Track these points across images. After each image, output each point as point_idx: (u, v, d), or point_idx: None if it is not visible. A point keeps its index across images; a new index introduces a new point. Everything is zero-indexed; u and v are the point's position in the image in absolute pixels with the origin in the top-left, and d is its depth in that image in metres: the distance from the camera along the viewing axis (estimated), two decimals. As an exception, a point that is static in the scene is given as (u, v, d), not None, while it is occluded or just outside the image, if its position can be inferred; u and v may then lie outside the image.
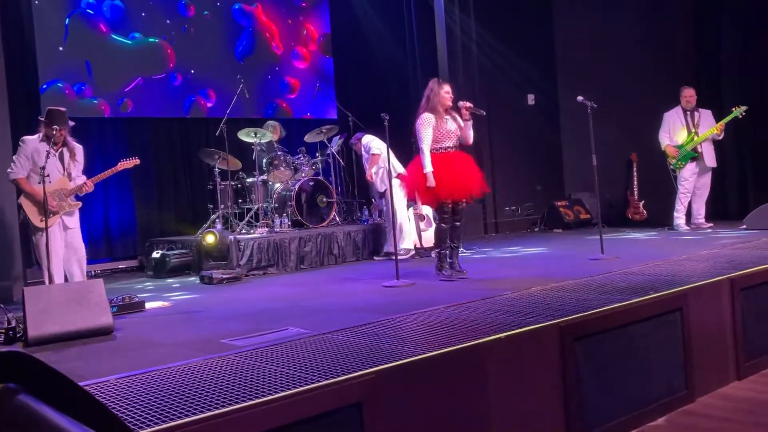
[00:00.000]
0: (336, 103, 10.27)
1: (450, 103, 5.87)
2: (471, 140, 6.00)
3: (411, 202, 7.47)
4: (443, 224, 5.84)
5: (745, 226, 7.73)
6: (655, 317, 4.05)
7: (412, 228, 7.77)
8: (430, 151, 5.74)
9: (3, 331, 4.37)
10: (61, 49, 8.26)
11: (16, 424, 0.68)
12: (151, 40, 8.98)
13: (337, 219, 8.52)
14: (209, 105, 9.40)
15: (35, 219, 5.42)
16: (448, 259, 5.88)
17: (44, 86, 8.02)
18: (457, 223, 5.93)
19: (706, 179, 8.30)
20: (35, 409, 0.71)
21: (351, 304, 4.93)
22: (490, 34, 10.27)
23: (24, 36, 7.99)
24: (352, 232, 7.89)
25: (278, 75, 10.15)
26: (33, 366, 0.74)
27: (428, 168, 5.66)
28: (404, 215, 7.61)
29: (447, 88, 5.91)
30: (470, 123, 5.91)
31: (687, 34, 9.59)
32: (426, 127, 5.75)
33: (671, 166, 8.23)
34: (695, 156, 8.17)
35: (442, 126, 5.81)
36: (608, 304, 3.90)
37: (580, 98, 6.56)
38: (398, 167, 7.36)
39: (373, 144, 7.86)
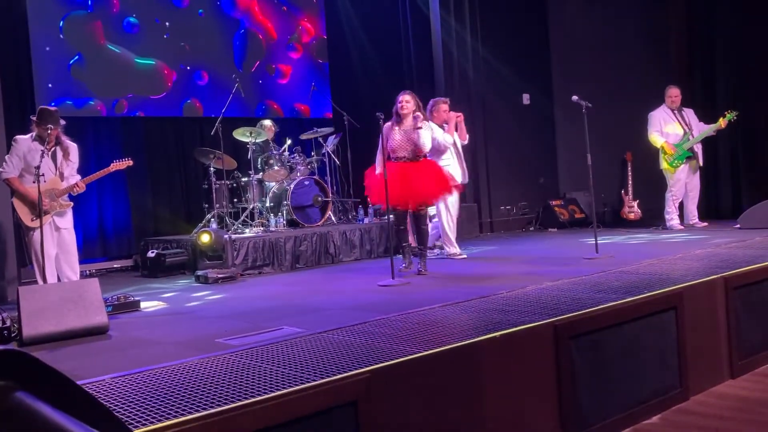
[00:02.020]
0: (331, 103, 10.26)
1: (403, 112, 6.05)
2: (426, 149, 6.17)
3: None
4: (396, 226, 6.26)
5: (738, 226, 7.76)
6: (649, 316, 4.07)
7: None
8: (386, 159, 5.99)
9: (-2, 330, 4.38)
10: (48, 49, 8.22)
11: (14, 421, 0.68)
12: (148, 62, 8.94)
13: (333, 218, 8.52)
14: (201, 83, 9.35)
15: (26, 219, 5.41)
16: (414, 260, 6.24)
17: (52, 103, 7.94)
18: (422, 227, 6.20)
19: (697, 179, 8.38)
20: (32, 406, 0.70)
21: (346, 304, 4.93)
22: (485, 35, 10.29)
23: (18, 35, 7.96)
24: (348, 231, 7.89)
25: (270, 65, 10.11)
26: (29, 363, 0.74)
27: (378, 170, 6.03)
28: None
29: (401, 97, 6.11)
30: (421, 132, 6.01)
31: (680, 33, 9.64)
32: (383, 134, 6.07)
33: (668, 164, 8.24)
34: (690, 155, 8.21)
35: (394, 136, 6.05)
36: (603, 303, 3.92)
37: (574, 98, 6.57)
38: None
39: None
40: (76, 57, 8.41)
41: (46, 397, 0.72)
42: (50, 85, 8.19)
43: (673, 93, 8.31)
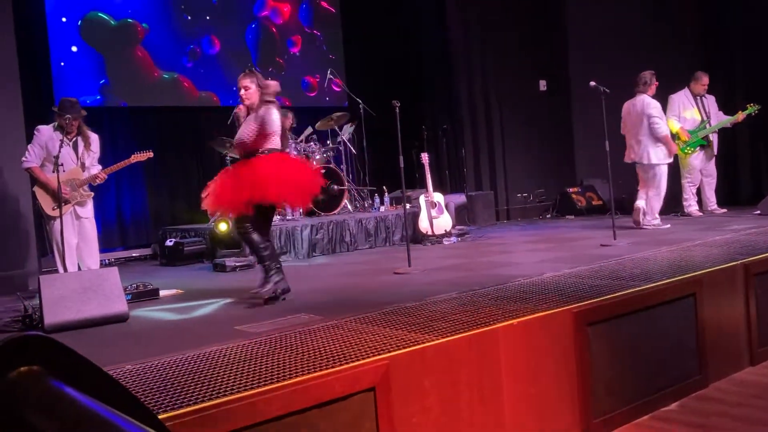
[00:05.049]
0: (347, 91, 10.25)
1: (246, 104, 4.78)
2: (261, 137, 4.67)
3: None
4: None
5: (759, 212, 7.73)
6: (668, 303, 4.08)
7: (424, 215, 7.78)
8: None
9: (20, 318, 4.46)
10: (75, 49, 8.34)
11: (44, 406, 0.69)
12: (167, 76, 9.04)
13: (349, 207, 8.53)
14: (213, 52, 9.44)
15: (47, 207, 5.51)
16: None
17: (84, 100, 8.04)
18: (246, 235, 4.72)
19: (713, 166, 8.36)
20: (62, 391, 0.70)
21: (363, 291, 4.97)
22: (502, 20, 10.26)
23: (36, 30, 8.03)
24: (364, 219, 7.91)
25: (278, 59, 10.14)
26: (57, 349, 0.74)
27: None
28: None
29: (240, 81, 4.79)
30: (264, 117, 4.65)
31: (698, 18, 9.53)
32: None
33: (680, 150, 8.20)
34: (704, 144, 8.16)
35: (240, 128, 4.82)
36: (621, 290, 3.93)
37: (592, 84, 6.54)
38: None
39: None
40: (97, 56, 8.51)
41: (75, 383, 0.72)
42: (70, 79, 8.26)
43: (706, 80, 8.23)
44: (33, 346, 0.72)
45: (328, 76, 9.55)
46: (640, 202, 7.46)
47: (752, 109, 8.03)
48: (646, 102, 7.37)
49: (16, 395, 0.69)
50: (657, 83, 7.41)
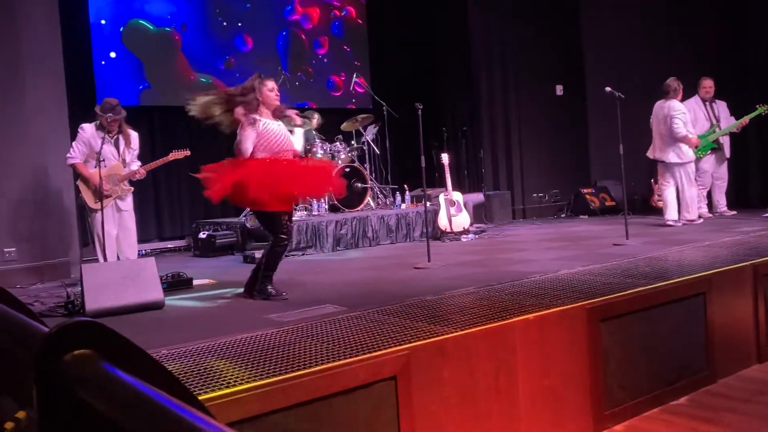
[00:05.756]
0: (371, 93, 10.40)
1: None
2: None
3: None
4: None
5: (767, 215, 7.76)
6: (678, 301, 4.15)
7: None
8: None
9: (62, 304, 4.66)
10: (113, 55, 8.58)
11: (98, 387, 0.71)
12: (204, 79, 9.24)
13: (371, 204, 8.69)
14: (246, 50, 9.63)
15: (90, 201, 5.75)
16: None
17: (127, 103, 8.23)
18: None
19: (724, 169, 8.40)
20: (113, 373, 0.72)
21: (385, 284, 5.02)
22: (520, 26, 10.37)
23: (81, 37, 8.23)
24: (386, 216, 8.06)
25: (307, 68, 10.31)
26: (106, 334, 0.76)
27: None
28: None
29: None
30: None
31: (713, 22, 9.52)
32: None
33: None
34: (715, 147, 8.24)
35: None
36: (633, 288, 4.00)
37: (608, 89, 6.64)
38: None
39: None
40: (137, 61, 8.76)
41: (123, 366, 0.75)
42: (111, 80, 8.52)
43: (707, 84, 8.32)
44: (85, 331, 0.75)
45: (354, 79, 9.71)
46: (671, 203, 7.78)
47: (762, 109, 8.05)
48: (672, 106, 7.65)
49: (72, 376, 0.72)
50: (682, 86, 7.71)
